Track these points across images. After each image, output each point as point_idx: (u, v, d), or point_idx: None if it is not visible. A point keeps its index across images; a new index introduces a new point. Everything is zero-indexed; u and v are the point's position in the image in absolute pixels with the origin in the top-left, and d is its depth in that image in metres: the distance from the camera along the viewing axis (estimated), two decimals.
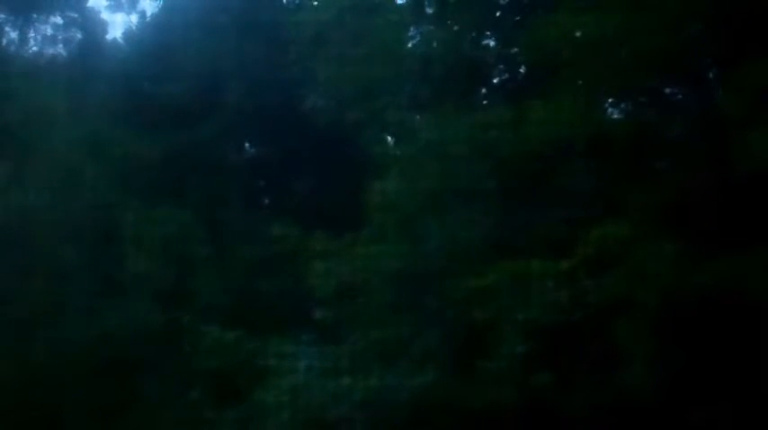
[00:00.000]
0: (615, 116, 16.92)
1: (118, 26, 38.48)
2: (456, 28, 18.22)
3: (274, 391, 16.00)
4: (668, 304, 13.82)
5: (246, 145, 29.42)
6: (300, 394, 15.71)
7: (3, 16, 28.91)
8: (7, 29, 29.06)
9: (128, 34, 30.49)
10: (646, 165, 15.65)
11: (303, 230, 17.80)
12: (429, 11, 19.38)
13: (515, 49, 18.61)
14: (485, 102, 18.80)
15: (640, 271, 13.99)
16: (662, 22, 14.60)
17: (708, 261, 13.68)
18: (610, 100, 16.93)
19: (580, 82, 16.07)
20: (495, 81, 18.80)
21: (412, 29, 19.70)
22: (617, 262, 14.30)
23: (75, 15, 30.03)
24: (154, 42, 28.56)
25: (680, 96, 17.03)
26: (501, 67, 18.86)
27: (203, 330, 17.71)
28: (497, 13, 18.80)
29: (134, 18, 30.85)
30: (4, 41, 28.81)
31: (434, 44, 18.54)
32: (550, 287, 14.58)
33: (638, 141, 15.54)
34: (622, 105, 16.86)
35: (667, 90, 16.84)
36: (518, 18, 18.69)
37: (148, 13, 30.62)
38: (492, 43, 18.72)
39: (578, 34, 15.42)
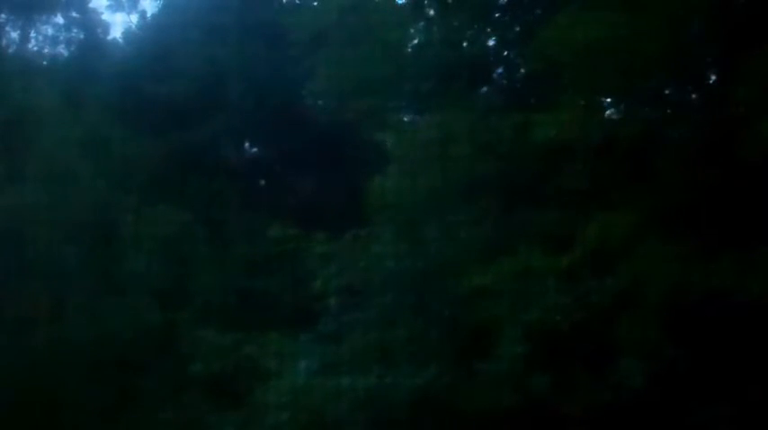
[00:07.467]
0: (618, 117, 16.81)
1: (118, 26, 38.44)
2: (456, 25, 18.17)
3: (274, 392, 15.90)
4: (670, 303, 13.73)
5: (246, 144, 29.43)
6: (300, 394, 15.61)
7: (4, 16, 28.91)
8: (8, 29, 29.09)
9: (128, 34, 30.53)
10: (648, 164, 15.54)
11: (302, 230, 17.69)
12: (429, 10, 19.33)
13: (515, 50, 18.56)
14: (485, 100, 18.71)
15: (643, 270, 13.91)
16: (663, 20, 14.51)
17: (711, 260, 13.58)
18: (612, 101, 16.83)
19: (582, 85, 15.98)
20: (495, 78, 18.76)
21: (412, 28, 19.66)
22: (619, 260, 14.20)
23: (77, 15, 30.09)
24: (154, 42, 28.58)
25: (682, 96, 16.93)
26: (501, 68, 18.82)
27: (199, 335, 17.54)
28: (497, 13, 18.74)
29: (134, 18, 30.96)
30: (4, 41, 28.82)
31: (434, 42, 18.48)
32: (552, 286, 14.48)
33: (640, 141, 15.46)
34: (624, 106, 16.76)
35: (669, 90, 16.74)
36: (517, 17, 18.63)
37: (148, 13, 30.71)
38: (492, 42, 18.67)
39: (579, 35, 15.28)
